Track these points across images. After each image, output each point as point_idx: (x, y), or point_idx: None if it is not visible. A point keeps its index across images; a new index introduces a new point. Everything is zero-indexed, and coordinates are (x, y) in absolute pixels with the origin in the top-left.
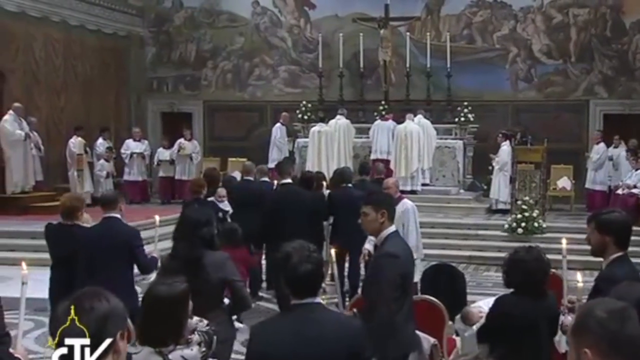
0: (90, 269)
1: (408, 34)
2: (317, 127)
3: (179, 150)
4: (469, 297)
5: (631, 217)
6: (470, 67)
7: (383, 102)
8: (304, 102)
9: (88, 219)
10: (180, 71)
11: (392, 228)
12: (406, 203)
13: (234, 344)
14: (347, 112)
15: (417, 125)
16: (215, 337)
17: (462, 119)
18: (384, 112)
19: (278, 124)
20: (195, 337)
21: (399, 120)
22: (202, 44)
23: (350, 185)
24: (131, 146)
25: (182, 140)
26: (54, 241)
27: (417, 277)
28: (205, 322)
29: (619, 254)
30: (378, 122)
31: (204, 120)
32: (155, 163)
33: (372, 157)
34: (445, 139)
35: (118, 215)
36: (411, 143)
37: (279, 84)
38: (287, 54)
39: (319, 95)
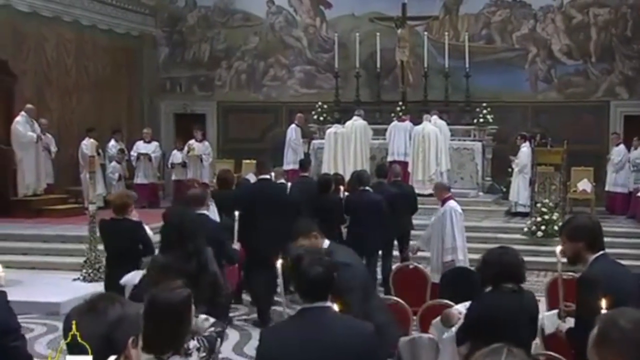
0: None
1: (426, 33)
2: (333, 129)
3: (188, 152)
4: None
5: (598, 220)
6: (489, 67)
7: (400, 103)
8: (320, 103)
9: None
10: (193, 72)
11: (327, 242)
12: (447, 205)
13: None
14: (364, 113)
15: (434, 126)
16: (218, 340)
17: (481, 120)
18: (401, 113)
19: (293, 125)
20: (194, 343)
21: (417, 121)
22: (215, 43)
23: (367, 188)
24: (140, 147)
25: (192, 141)
26: (109, 235)
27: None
28: (210, 321)
29: (598, 254)
30: (395, 123)
31: (217, 121)
32: (169, 166)
33: (389, 159)
34: (464, 140)
35: (206, 212)
36: (429, 145)
37: (294, 85)
38: (303, 54)
39: (335, 96)
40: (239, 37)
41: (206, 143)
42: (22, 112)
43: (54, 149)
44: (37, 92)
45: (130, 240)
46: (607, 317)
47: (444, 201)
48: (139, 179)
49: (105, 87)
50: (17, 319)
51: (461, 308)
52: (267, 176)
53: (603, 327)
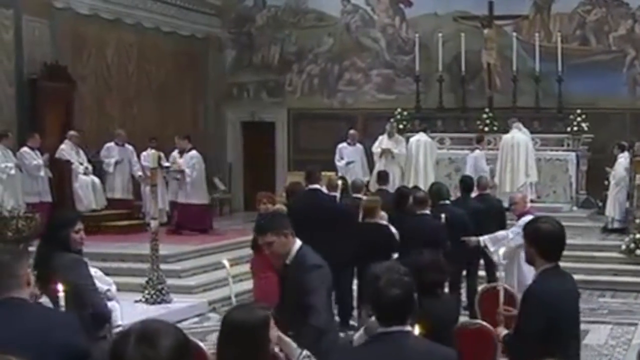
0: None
1: (515, 34)
2: (417, 136)
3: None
4: (583, 326)
5: (562, 229)
6: (583, 71)
7: (487, 110)
8: (399, 110)
9: (384, 216)
10: (262, 76)
11: (298, 242)
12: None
13: None
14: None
15: (524, 134)
16: None
17: (575, 128)
18: (477, 139)
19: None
20: None
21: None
22: (286, 46)
23: (448, 202)
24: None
25: (175, 152)
26: (362, 236)
27: None
28: (306, 352)
29: (547, 266)
30: (469, 155)
31: (288, 130)
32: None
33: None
34: (556, 150)
35: (428, 212)
36: (518, 154)
37: (371, 90)
38: (381, 56)
39: (415, 101)
40: (311, 38)
41: (192, 153)
42: (66, 140)
43: (136, 169)
44: (97, 100)
45: (378, 239)
46: None
47: (524, 213)
48: (183, 198)
49: (168, 93)
50: (85, 340)
51: None
52: (317, 186)
53: None
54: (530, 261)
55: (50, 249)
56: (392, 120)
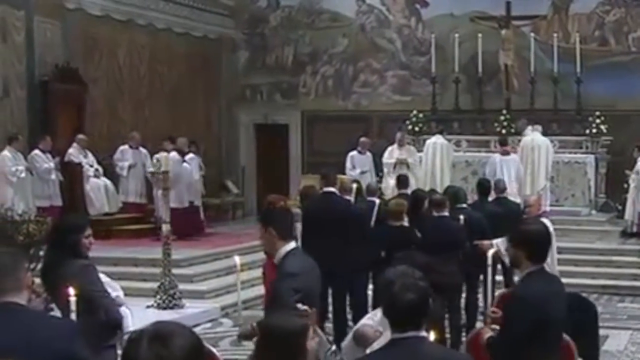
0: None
1: (532, 34)
2: (433, 139)
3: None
4: (602, 332)
5: (548, 230)
6: (602, 72)
7: (504, 112)
8: (415, 112)
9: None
10: (275, 77)
11: (291, 245)
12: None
13: None
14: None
15: (544, 137)
16: None
17: (594, 130)
18: (499, 144)
19: (352, 153)
20: None
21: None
22: (300, 46)
23: (465, 205)
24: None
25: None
26: (389, 239)
27: None
28: (333, 347)
29: (533, 269)
30: (499, 157)
31: (302, 132)
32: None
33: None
34: (575, 153)
35: (446, 213)
36: (538, 157)
37: (387, 91)
38: (396, 58)
39: (431, 103)
40: (325, 39)
41: (171, 155)
42: (74, 144)
43: (148, 168)
44: (108, 102)
45: (402, 243)
46: None
47: (538, 216)
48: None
49: (180, 95)
50: (86, 348)
51: (375, 325)
52: (332, 189)
53: None
54: (515, 264)
55: (59, 255)
56: (402, 126)
